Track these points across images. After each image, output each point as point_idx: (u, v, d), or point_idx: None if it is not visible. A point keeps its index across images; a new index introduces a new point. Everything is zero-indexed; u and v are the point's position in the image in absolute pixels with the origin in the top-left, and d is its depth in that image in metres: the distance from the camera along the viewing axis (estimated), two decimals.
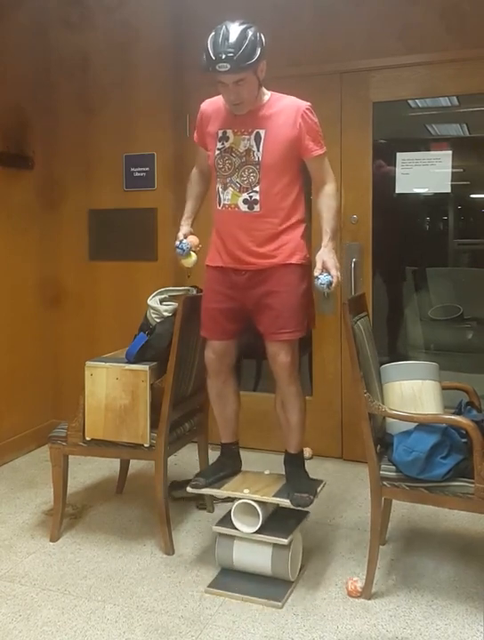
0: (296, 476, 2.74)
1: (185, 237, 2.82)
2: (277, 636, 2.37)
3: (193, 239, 2.83)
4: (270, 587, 2.60)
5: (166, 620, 2.46)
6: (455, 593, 2.60)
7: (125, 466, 3.52)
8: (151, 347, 2.88)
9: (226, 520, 2.68)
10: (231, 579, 2.66)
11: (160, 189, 4.09)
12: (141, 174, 4.11)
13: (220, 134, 2.63)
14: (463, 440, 2.44)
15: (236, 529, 2.61)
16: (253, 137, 2.56)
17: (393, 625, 2.42)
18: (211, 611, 2.51)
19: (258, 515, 2.58)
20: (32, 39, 4.09)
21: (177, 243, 2.81)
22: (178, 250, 2.81)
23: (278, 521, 2.66)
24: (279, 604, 2.53)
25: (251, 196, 2.57)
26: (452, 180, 3.73)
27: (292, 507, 2.59)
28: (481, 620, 2.42)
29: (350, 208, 3.83)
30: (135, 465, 3.59)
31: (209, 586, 2.65)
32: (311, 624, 2.43)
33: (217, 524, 2.69)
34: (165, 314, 2.91)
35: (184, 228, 2.85)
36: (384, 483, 2.51)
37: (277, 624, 2.43)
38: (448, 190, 3.77)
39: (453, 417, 2.49)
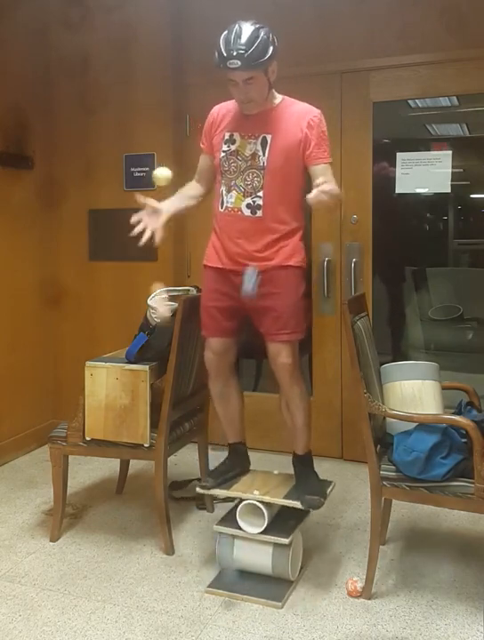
0: (306, 478, 2.73)
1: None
2: (277, 636, 2.37)
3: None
4: (270, 587, 2.60)
5: (166, 620, 2.46)
6: (455, 593, 2.60)
7: (124, 466, 3.52)
8: (151, 347, 2.88)
9: (227, 519, 2.68)
10: (231, 579, 2.66)
11: (160, 189, 4.08)
12: (141, 174, 4.10)
13: (227, 136, 2.62)
14: (463, 440, 2.44)
15: (240, 529, 2.60)
16: (259, 141, 2.55)
17: (393, 625, 2.42)
18: (211, 611, 2.51)
19: (263, 516, 2.57)
20: (32, 39, 4.09)
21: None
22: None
23: (278, 521, 2.65)
24: (279, 604, 2.53)
25: (255, 201, 2.56)
26: (452, 180, 3.73)
27: (303, 508, 2.59)
28: (481, 620, 2.42)
29: (351, 208, 3.82)
30: (135, 465, 3.59)
31: (209, 586, 2.65)
32: (311, 624, 2.43)
33: (218, 524, 2.69)
34: None
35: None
36: (384, 483, 2.51)
37: (277, 624, 2.43)
38: (448, 190, 3.77)
39: (453, 417, 2.49)
